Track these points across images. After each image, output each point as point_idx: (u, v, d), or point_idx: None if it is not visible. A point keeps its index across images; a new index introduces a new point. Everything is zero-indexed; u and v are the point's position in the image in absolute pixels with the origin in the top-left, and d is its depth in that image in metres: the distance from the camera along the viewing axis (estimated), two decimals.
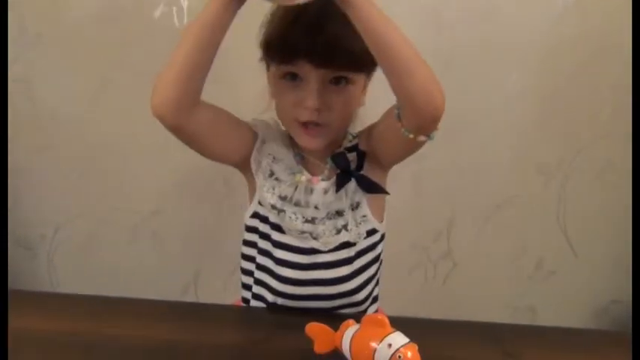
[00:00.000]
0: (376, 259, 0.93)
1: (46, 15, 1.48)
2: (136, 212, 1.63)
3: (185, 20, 1.45)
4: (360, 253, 0.90)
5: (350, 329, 0.64)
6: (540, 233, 1.66)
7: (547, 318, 1.72)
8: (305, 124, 0.82)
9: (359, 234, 0.88)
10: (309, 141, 0.84)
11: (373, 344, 0.58)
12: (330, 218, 0.87)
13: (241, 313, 0.92)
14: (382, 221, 0.91)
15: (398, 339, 0.58)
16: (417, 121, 0.71)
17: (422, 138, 0.73)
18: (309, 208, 0.87)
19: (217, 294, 1.62)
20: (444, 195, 1.60)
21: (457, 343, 0.77)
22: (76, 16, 1.47)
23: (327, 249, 0.87)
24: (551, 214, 1.64)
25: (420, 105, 0.69)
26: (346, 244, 0.88)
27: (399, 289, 1.60)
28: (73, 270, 1.71)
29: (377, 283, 0.97)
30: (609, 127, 1.56)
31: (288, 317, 0.86)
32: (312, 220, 0.87)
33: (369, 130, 0.89)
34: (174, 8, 1.45)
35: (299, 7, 0.66)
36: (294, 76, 0.80)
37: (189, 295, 1.71)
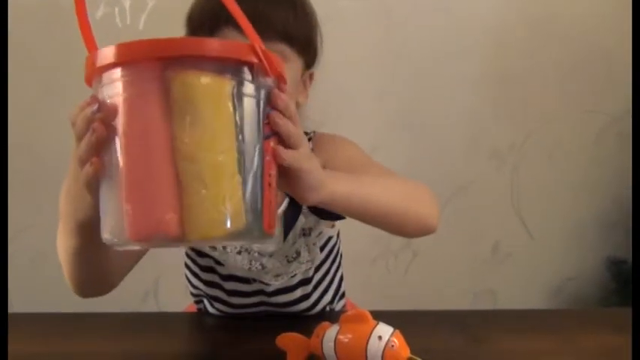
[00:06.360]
0: (334, 259, 0.90)
1: None
2: None
3: (128, 21, 1.40)
4: (318, 267, 0.87)
5: (329, 332, 0.61)
6: (495, 217, 1.69)
7: (507, 300, 1.76)
8: None
9: (312, 260, 0.84)
10: None
11: (362, 341, 0.57)
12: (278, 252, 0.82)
13: (202, 320, 0.89)
14: (334, 225, 0.87)
15: (385, 329, 0.58)
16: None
17: None
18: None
19: (177, 300, 1.58)
20: None
21: (426, 333, 0.76)
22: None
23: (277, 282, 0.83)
24: (506, 197, 1.68)
25: (414, 235, 0.71)
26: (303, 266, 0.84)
27: (361, 282, 1.60)
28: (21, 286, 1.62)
29: (341, 279, 0.94)
30: (556, 110, 1.61)
31: (250, 322, 0.84)
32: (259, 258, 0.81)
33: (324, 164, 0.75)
34: (117, 8, 1.39)
35: None
36: None
37: (148, 303, 1.66)
